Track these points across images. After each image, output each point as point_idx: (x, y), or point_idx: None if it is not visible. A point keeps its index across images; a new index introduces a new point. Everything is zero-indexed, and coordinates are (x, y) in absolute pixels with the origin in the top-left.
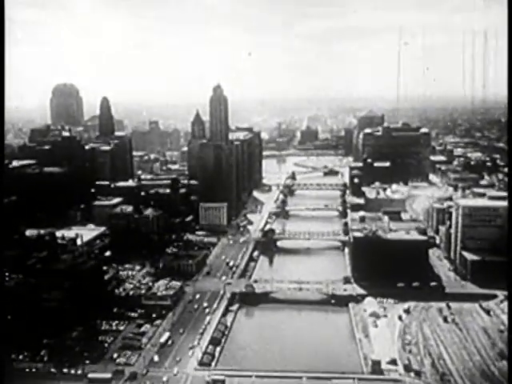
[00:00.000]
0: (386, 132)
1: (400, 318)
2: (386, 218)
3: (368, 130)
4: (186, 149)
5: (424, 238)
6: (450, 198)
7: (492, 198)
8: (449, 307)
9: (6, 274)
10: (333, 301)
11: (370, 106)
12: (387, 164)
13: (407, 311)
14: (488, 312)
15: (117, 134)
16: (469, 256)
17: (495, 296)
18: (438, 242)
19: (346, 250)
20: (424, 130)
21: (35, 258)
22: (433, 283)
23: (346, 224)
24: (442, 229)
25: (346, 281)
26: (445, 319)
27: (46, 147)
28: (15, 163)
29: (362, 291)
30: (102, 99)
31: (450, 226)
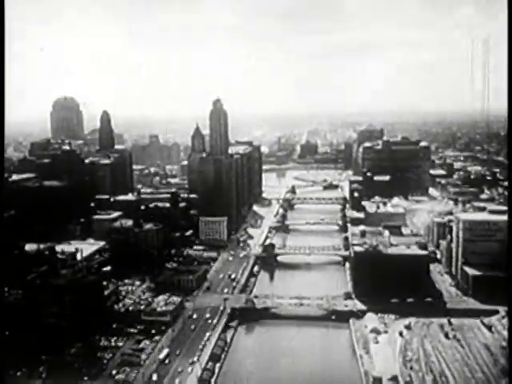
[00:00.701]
0: (385, 146)
1: (401, 333)
2: (386, 232)
3: (368, 144)
4: (185, 163)
5: (425, 252)
6: (451, 212)
7: (492, 212)
8: (450, 323)
9: (6, 289)
10: (333, 316)
11: (369, 120)
12: (387, 178)
13: (408, 327)
14: (490, 328)
15: (117, 147)
16: (470, 271)
17: (497, 312)
18: (438, 256)
19: (347, 264)
20: (424, 143)
21: (35, 273)
22: (434, 299)
23: (346, 238)
24: (443, 243)
25: (347, 296)
26: (446, 335)
27: (46, 161)
28: (15, 177)
29: (362, 307)
30: (103, 113)
31: (451, 241)
